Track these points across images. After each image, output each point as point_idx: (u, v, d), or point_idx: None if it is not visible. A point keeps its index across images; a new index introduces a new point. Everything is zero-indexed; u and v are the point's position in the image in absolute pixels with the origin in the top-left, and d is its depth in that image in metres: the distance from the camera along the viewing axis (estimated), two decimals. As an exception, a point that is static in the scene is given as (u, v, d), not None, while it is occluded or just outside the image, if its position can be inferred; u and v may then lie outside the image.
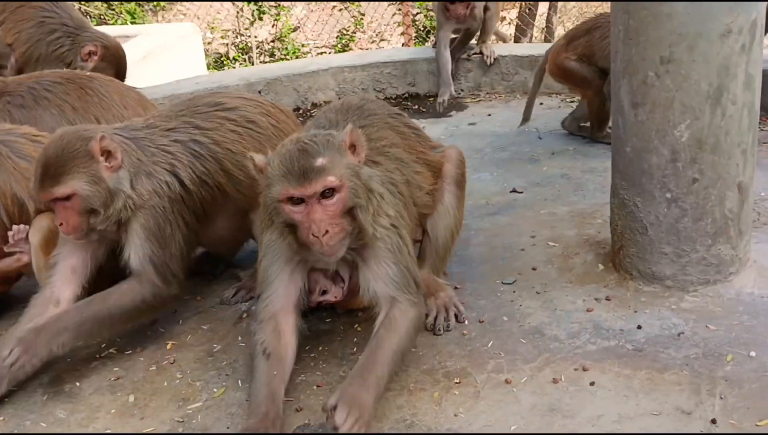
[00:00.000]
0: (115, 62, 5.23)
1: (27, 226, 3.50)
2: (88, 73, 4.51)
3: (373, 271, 3.05)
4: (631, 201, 3.47)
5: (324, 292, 3.25)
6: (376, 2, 12.08)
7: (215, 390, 3.08)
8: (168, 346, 3.38)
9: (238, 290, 3.76)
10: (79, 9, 12.71)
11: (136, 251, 3.29)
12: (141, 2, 12.77)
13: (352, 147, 2.98)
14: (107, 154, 3.23)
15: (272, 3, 12.25)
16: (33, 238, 3.47)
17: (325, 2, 12.44)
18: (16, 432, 2.94)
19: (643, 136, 3.34)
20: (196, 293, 3.84)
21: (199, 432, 2.86)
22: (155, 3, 13.07)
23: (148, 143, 3.41)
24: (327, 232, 2.83)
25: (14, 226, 3.50)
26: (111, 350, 3.40)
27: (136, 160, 3.33)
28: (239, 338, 3.42)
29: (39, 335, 3.12)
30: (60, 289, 3.31)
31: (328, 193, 2.84)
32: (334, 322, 3.48)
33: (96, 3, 12.88)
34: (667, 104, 3.24)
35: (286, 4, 12.59)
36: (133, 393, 3.10)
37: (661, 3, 3.11)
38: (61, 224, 3.21)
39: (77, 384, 3.19)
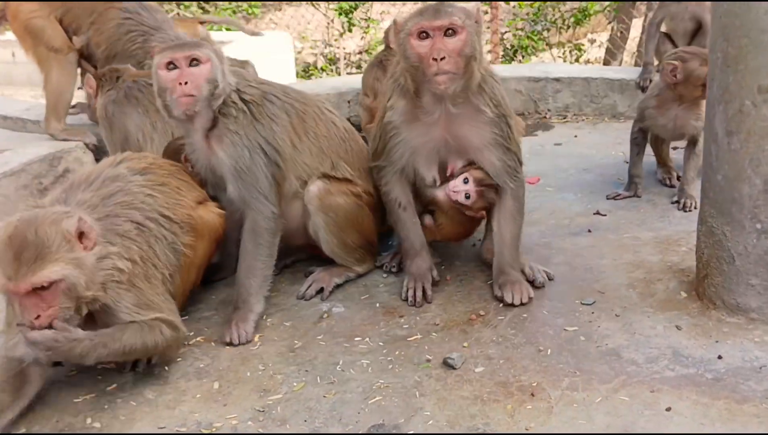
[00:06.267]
0: None
1: None
2: None
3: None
4: (719, 230, 3.43)
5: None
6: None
7: (295, 384, 3.19)
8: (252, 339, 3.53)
9: (311, 283, 3.93)
10: (177, 14, 13.24)
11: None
12: (236, 11, 13.16)
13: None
14: None
15: (363, 16, 12.47)
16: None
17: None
18: (107, 408, 3.12)
19: (736, 165, 3.31)
20: (281, 291, 3.98)
21: (279, 422, 2.98)
22: (249, 12, 13.45)
23: None
24: (444, 57, 3.41)
25: None
26: (198, 339, 3.57)
27: None
28: (319, 337, 3.53)
29: None
30: None
31: (450, 32, 3.44)
32: (411, 327, 3.56)
33: (193, 8, 13.38)
34: (762, 133, 3.20)
35: (376, 17, 12.81)
36: (217, 380, 3.25)
37: (763, 32, 3.09)
38: None
39: (165, 368, 3.36)
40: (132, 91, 4.63)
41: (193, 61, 3.65)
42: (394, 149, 3.80)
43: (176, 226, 3.48)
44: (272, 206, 3.72)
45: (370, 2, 12.66)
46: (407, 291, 3.82)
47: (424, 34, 3.47)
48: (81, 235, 2.94)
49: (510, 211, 3.85)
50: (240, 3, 13.62)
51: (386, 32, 6.14)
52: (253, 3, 13.60)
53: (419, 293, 3.80)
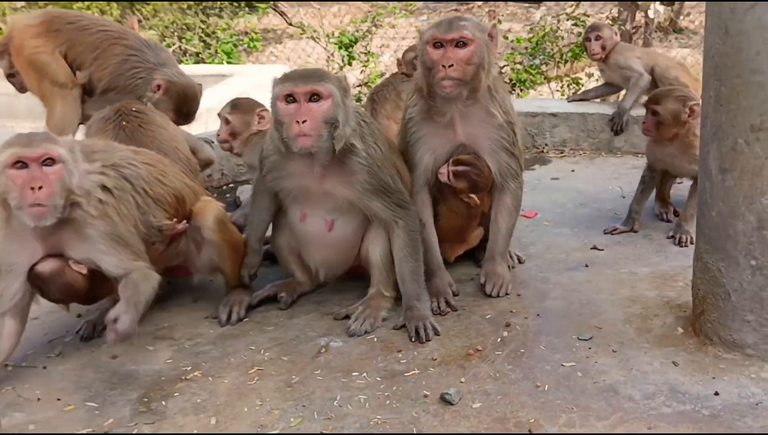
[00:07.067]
0: (175, 98, 5.43)
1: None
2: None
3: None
4: (714, 266, 3.46)
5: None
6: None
7: (292, 419, 3.19)
8: (249, 374, 3.53)
9: (363, 320, 3.88)
10: (179, 47, 13.38)
11: None
12: (236, 44, 13.29)
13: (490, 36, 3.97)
14: None
15: (363, 50, 12.60)
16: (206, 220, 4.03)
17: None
18: (104, 443, 3.12)
19: (730, 202, 3.34)
20: (279, 325, 3.99)
21: (275, 459, 2.98)
22: (249, 45, 13.58)
23: None
24: (452, 65, 3.82)
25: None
26: (196, 374, 3.57)
27: None
28: (317, 372, 3.53)
29: None
30: None
31: (461, 43, 3.85)
32: (409, 362, 3.56)
33: (195, 41, 13.54)
34: (755, 171, 3.24)
35: (376, 51, 12.93)
36: (214, 416, 3.24)
37: (754, 72, 3.14)
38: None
39: (163, 403, 3.35)
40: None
41: (314, 96, 3.53)
42: (415, 147, 4.16)
43: (157, 205, 3.85)
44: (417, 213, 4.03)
45: (369, 36, 12.78)
46: (431, 304, 4.00)
47: (439, 44, 3.90)
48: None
49: (508, 207, 4.25)
50: (241, 36, 13.78)
51: (401, 57, 6.14)
52: (254, 36, 13.75)
53: (443, 304, 4.04)
